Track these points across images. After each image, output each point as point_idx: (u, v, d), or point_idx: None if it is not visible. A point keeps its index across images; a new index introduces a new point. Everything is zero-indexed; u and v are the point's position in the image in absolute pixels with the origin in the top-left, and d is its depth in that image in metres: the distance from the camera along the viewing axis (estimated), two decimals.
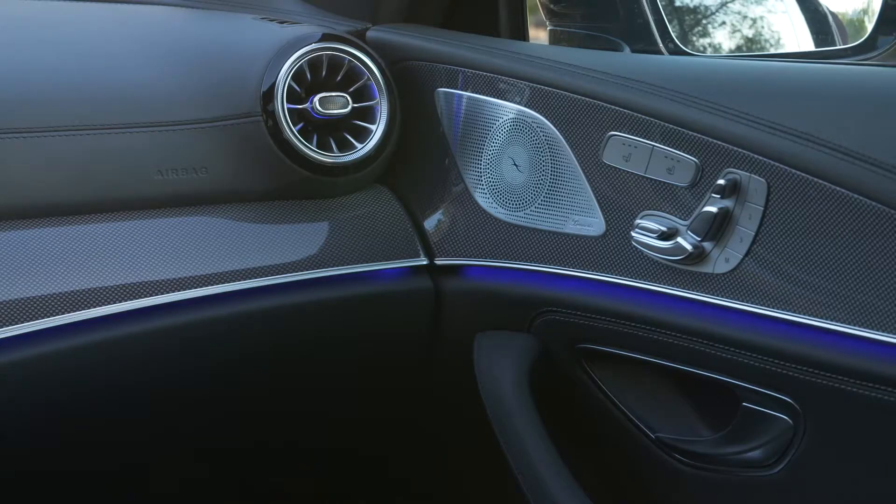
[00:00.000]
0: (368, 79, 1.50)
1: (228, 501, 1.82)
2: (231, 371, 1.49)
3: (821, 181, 1.13)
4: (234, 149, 1.44)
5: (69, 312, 1.30)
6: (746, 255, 1.21)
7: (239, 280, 1.41)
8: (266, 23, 1.65)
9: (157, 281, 1.36)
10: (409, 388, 1.67)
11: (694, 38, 1.73)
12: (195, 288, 1.38)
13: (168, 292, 1.36)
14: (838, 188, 1.12)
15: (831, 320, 1.14)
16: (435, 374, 1.63)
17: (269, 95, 1.44)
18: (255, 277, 1.42)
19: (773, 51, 1.81)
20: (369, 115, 1.50)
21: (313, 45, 1.47)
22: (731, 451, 1.31)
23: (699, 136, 1.24)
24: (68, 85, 1.41)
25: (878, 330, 1.10)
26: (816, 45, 1.79)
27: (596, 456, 1.48)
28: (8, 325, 1.27)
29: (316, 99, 1.45)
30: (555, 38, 1.68)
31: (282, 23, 1.62)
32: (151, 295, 1.35)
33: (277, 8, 1.71)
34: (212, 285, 1.39)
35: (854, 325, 1.12)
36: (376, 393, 1.67)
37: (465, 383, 1.49)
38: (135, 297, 1.34)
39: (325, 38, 1.49)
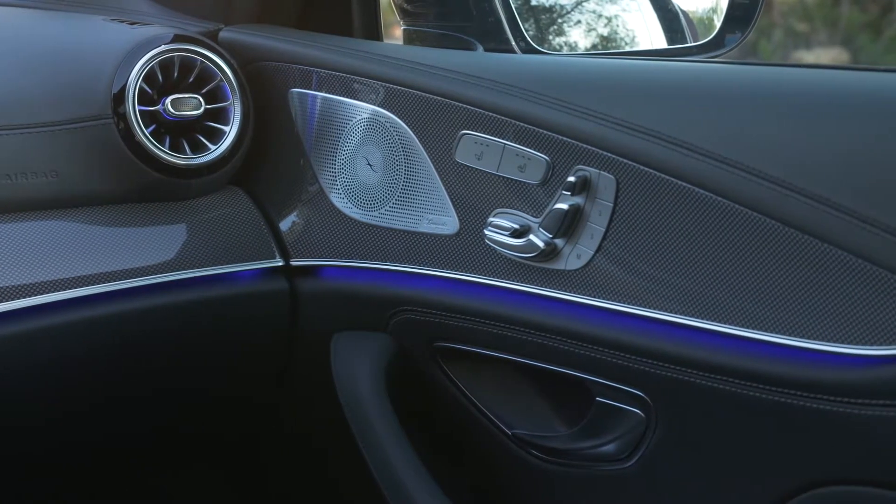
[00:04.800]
0: (221, 80, 1.48)
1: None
2: (86, 377, 1.46)
3: (668, 177, 1.15)
4: (85, 152, 1.42)
5: None
6: (597, 251, 1.22)
7: (92, 284, 1.39)
8: (117, 24, 1.62)
9: (7, 287, 1.33)
10: (268, 389, 1.66)
11: (548, 37, 1.74)
12: (47, 293, 1.36)
13: (19, 298, 1.34)
14: (686, 184, 1.14)
15: (680, 314, 1.16)
16: (295, 375, 1.62)
17: (119, 97, 1.42)
18: (109, 281, 1.40)
19: (626, 49, 1.83)
20: (222, 116, 1.49)
21: (164, 47, 1.45)
22: (586, 445, 1.32)
23: (550, 133, 1.25)
24: None
25: (723, 323, 1.12)
26: (669, 43, 1.82)
27: (454, 454, 1.49)
28: None
29: (168, 100, 1.44)
30: (408, 38, 1.69)
31: (132, 24, 1.59)
32: (1, 301, 1.33)
33: (128, 9, 1.68)
34: (65, 290, 1.37)
35: (701, 319, 1.14)
36: (236, 395, 1.66)
37: (323, 384, 1.49)
38: None
39: (177, 39, 1.48)
